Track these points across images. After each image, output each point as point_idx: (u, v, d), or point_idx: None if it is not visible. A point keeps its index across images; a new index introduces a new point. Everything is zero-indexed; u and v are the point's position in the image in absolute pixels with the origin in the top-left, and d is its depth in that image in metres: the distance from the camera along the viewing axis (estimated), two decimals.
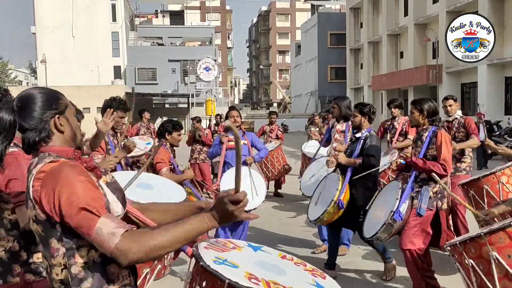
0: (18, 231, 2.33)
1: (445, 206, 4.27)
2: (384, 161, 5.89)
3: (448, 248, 3.16)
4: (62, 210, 1.56)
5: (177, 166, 5.12)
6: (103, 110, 4.55)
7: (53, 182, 1.59)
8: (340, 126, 6.13)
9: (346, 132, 6.01)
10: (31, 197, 1.63)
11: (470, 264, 2.91)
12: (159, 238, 1.58)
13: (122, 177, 3.83)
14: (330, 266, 5.03)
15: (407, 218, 4.19)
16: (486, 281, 2.84)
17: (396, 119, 7.12)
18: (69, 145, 1.78)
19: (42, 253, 1.71)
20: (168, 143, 5.20)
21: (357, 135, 5.02)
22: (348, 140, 5.59)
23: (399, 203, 4.16)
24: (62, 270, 1.64)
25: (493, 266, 2.79)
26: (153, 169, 4.84)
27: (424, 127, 4.27)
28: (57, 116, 1.75)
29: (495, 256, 2.78)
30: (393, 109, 7.10)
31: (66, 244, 1.62)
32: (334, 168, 5.25)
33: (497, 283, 2.78)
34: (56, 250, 1.63)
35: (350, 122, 6.17)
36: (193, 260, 1.77)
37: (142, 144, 7.12)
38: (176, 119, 6.18)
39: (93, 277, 1.64)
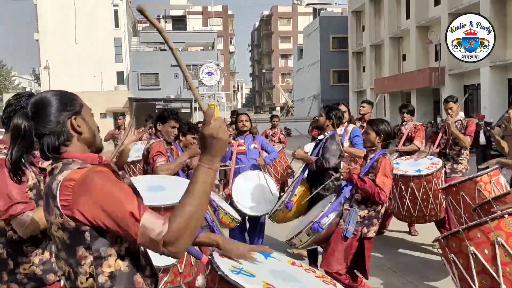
0: (5, 239, 2.27)
1: (371, 234, 4.01)
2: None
3: (436, 242, 3.33)
4: (109, 216, 1.52)
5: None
6: (157, 119, 4.63)
7: (88, 191, 1.54)
8: (338, 130, 6.12)
9: (344, 135, 6.04)
10: (58, 205, 1.58)
11: (451, 258, 3.05)
12: (188, 204, 1.53)
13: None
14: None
15: (328, 234, 4.05)
16: (465, 275, 2.93)
17: (404, 124, 6.91)
18: (89, 146, 1.75)
19: (63, 260, 1.66)
20: (181, 144, 5.22)
21: (320, 137, 5.00)
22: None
23: (322, 215, 4.06)
24: (87, 279, 1.61)
25: (471, 261, 2.90)
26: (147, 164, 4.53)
27: (374, 148, 4.13)
28: (73, 117, 1.69)
29: (472, 251, 2.89)
30: (405, 115, 6.89)
31: (95, 253, 1.59)
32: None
33: (475, 277, 2.87)
34: (83, 258, 1.60)
35: (349, 126, 6.18)
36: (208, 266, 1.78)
37: (143, 148, 7.12)
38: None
39: (119, 287, 1.63)
